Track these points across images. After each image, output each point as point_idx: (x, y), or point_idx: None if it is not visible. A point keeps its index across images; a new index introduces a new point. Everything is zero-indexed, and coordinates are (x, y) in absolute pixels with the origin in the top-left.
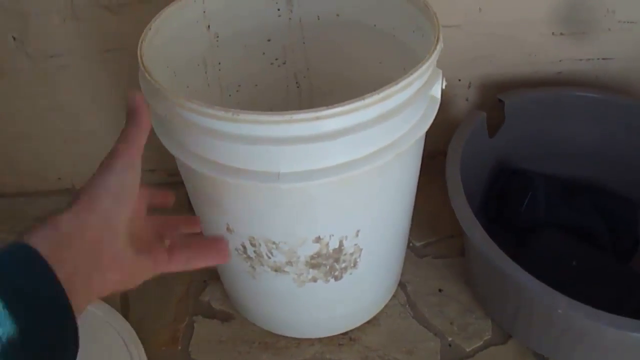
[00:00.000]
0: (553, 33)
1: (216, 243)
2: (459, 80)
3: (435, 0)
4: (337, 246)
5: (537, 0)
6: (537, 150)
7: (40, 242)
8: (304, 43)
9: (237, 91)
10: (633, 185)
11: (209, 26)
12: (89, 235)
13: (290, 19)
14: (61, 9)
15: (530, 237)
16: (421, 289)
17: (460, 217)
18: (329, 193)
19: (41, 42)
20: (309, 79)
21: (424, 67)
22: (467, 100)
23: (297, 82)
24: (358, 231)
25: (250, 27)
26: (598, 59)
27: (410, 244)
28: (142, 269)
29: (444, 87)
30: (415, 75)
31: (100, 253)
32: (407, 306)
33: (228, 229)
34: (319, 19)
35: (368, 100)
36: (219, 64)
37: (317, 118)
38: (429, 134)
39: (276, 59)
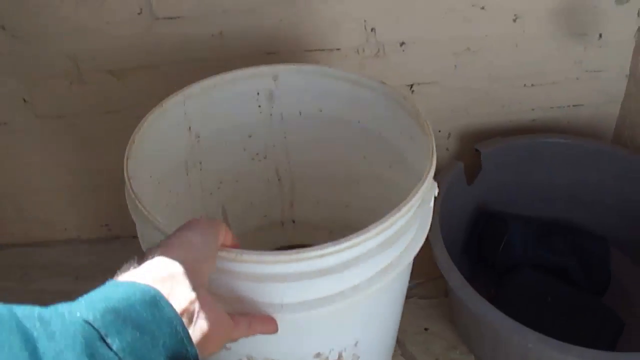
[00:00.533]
0: (525, 85)
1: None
2: (439, 131)
3: (415, 60)
4: (335, 358)
5: (508, 58)
6: (513, 195)
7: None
8: (285, 137)
9: (219, 188)
10: (605, 224)
11: (190, 127)
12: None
13: (271, 114)
14: (69, 74)
15: (508, 277)
16: (408, 328)
17: (439, 263)
18: (332, 315)
19: (49, 104)
20: (289, 173)
21: (424, 186)
22: (447, 150)
23: (278, 176)
24: (357, 342)
25: (231, 124)
26: (568, 106)
27: None
28: (226, 325)
29: (436, 194)
30: (416, 197)
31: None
32: (397, 345)
33: (225, 346)
34: (300, 114)
35: (372, 231)
36: (200, 163)
37: (322, 255)
38: None
39: (257, 154)
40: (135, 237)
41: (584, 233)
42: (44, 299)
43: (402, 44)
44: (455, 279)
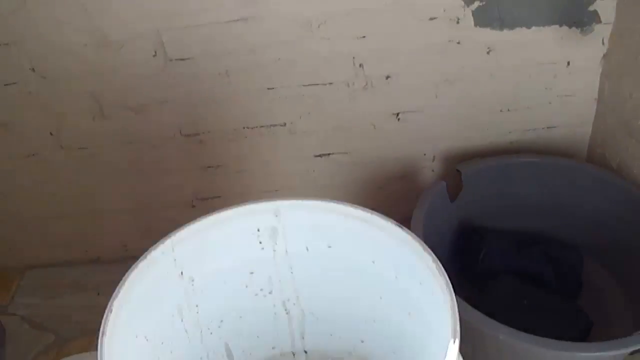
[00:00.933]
0: (501, 110)
1: None
2: (424, 154)
3: (399, 90)
4: None
5: (484, 86)
6: (493, 209)
7: None
8: (291, 273)
9: (219, 327)
10: (577, 234)
11: (182, 272)
12: None
13: (274, 250)
14: (91, 110)
15: (489, 284)
16: None
17: None
18: None
19: (73, 136)
20: (299, 306)
21: None
22: (432, 171)
23: (286, 310)
24: None
25: (229, 263)
26: (543, 128)
27: None
28: None
29: None
30: None
31: None
32: None
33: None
34: (307, 250)
35: None
36: (197, 306)
37: None
38: (399, 202)
39: (261, 290)
40: None
41: (558, 243)
42: (69, 313)
43: (387, 77)
44: None
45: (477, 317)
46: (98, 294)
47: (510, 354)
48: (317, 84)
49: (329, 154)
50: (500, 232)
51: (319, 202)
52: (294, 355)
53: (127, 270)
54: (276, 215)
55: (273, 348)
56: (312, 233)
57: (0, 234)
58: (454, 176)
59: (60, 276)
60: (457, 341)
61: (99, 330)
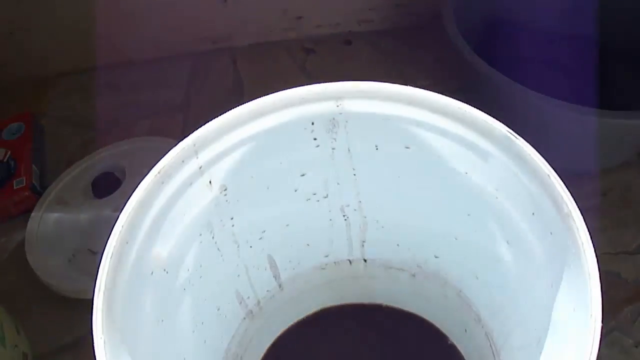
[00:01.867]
0: None
1: None
2: None
3: None
4: None
5: None
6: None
7: None
8: (354, 175)
9: (261, 239)
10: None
11: (210, 182)
12: None
13: (333, 149)
14: None
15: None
16: None
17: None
18: None
19: None
20: (360, 213)
21: None
22: None
23: (344, 216)
24: None
25: (274, 165)
26: None
27: None
28: None
29: None
30: None
31: None
32: None
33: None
34: (377, 149)
35: None
36: (231, 219)
37: None
38: None
39: (314, 194)
40: None
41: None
42: (106, 112)
43: None
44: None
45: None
46: (133, 92)
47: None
48: None
49: None
50: (528, 26)
51: (398, 89)
52: (350, 262)
53: (159, 71)
54: (337, 104)
55: (326, 256)
56: (385, 129)
57: (33, 41)
58: None
59: (94, 80)
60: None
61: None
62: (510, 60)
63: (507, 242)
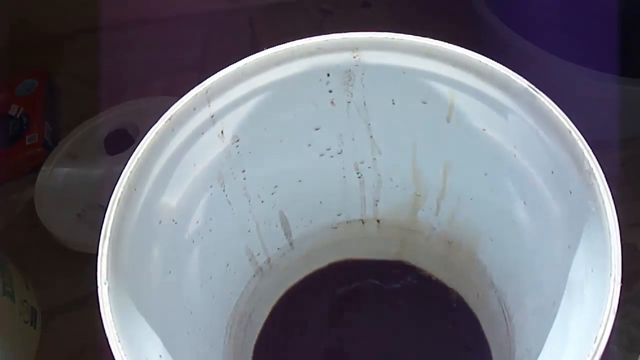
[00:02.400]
0: None
1: None
2: None
3: None
4: None
5: None
6: None
7: None
8: (369, 131)
9: (273, 194)
10: None
11: (222, 132)
12: None
13: (349, 102)
14: None
15: None
16: None
17: None
18: None
19: None
20: (375, 170)
21: None
22: None
23: (358, 173)
24: None
25: (288, 118)
26: None
27: None
28: None
29: None
30: None
31: None
32: None
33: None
34: (394, 104)
35: None
36: (243, 172)
37: None
38: None
39: (328, 149)
40: None
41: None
42: (121, 71)
43: None
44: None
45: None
46: (148, 51)
47: None
48: None
49: None
50: None
51: (417, 40)
52: (363, 222)
53: (175, 31)
54: (354, 55)
55: (338, 215)
56: (402, 82)
57: None
58: None
59: (109, 38)
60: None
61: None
62: (531, 25)
63: (524, 202)
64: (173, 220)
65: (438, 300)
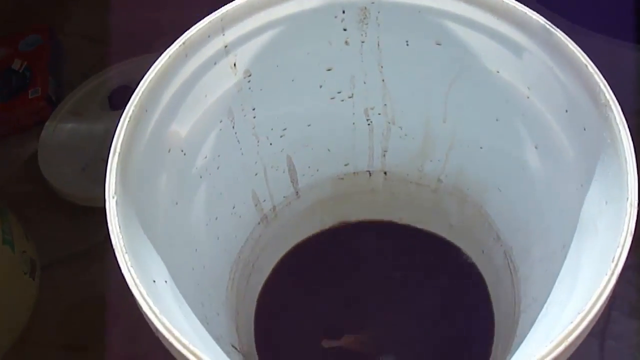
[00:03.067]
0: None
1: None
2: None
3: None
4: None
5: None
6: None
7: None
8: (381, 73)
9: (282, 136)
10: None
11: (234, 64)
12: None
13: (362, 42)
14: None
15: None
16: None
17: None
18: None
19: None
20: (385, 117)
21: None
22: None
23: (368, 119)
24: None
25: (300, 55)
26: None
27: None
28: None
29: None
30: None
31: None
32: None
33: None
34: (407, 45)
35: None
36: (253, 109)
37: None
38: None
39: (339, 92)
40: None
41: None
42: (124, 30)
43: None
44: None
45: None
46: (154, 10)
47: None
48: None
49: None
50: None
51: None
52: (370, 174)
53: None
54: None
55: (346, 165)
56: (417, 22)
57: None
58: None
59: None
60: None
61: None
62: None
63: (536, 146)
64: (182, 151)
65: (442, 258)
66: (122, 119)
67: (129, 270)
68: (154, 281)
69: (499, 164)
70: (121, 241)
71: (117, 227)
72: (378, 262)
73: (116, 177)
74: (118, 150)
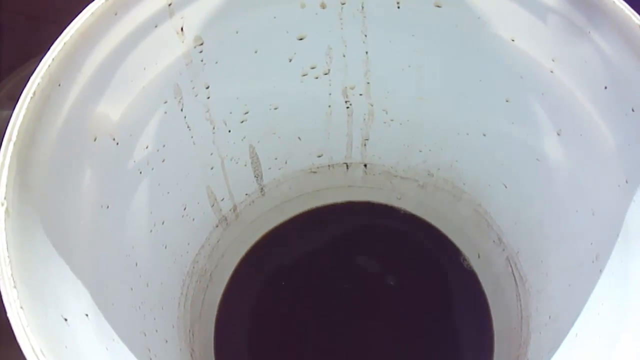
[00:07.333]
0: None
1: None
2: None
3: None
4: None
5: None
6: None
7: None
8: (365, 44)
9: (243, 122)
10: None
11: (182, 29)
12: None
13: (343, 4)
14: None
15: None
16: None
17: None
18: None
19: None
20: (367, 98)
21: None
22: None
23: (347, 101)
24: None
25: (265, 19)
26: None
27: None
28: None
29: None
30: None
31: None
32: None
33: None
34: (399, 7)
35: None
36: (207, 88)
37: None
38: None
39: (312, 68)
40: None
41: None
42: (70, 8)
43: None
44: None
45: None
46: None
47: None
48: None
49: None
50: None
51: None
52: (347, 167)
53: None
54: None
55: (319, 156)
56: None
57: None
58: None
59: None
60: None
61: None
62: None
63: (558, 132)
64: (114, 140)
65: (432, 264)
66: (22, 97)
67: (18, 313)
68: (65, 319)
69: (506, 155)
70: (10, 270)
71: (5, 249)
72: (354, 271)
73: (10, 176)
74: (14, 138)
